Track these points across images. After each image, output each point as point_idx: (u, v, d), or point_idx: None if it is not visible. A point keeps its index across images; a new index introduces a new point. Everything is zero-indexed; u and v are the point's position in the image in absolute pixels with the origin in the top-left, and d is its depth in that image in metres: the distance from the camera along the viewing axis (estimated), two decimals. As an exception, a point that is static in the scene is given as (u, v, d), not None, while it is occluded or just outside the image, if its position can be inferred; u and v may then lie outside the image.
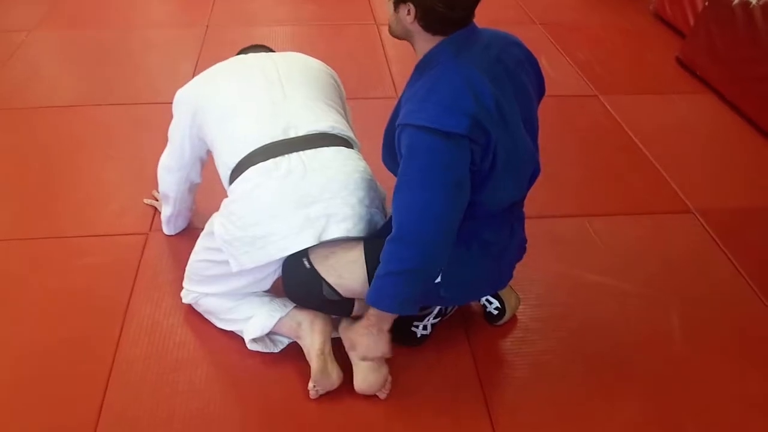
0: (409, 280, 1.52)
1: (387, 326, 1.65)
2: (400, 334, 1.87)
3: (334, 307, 1.71)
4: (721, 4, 3.32)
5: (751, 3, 3.13)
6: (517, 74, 1.58)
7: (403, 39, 1.58)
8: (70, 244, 2.23)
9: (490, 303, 1.95)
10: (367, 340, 1.68)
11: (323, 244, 1.64)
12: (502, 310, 1.95)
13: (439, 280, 1.59)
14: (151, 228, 2.30)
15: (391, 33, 1.59)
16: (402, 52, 3.55)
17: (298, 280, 1.66)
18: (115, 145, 2.77)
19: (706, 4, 3.49)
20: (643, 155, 2.85)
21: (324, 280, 1.62)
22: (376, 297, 1.56)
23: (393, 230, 1.50)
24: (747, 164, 2.86)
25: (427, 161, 1.44)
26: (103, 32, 3.81)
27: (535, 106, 1.67)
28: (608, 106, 3.21)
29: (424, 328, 1.88)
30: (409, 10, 1.46)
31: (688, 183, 2.67)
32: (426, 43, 1.52)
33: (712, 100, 3.33)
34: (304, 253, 1.64)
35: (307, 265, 1.63)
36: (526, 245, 1.82)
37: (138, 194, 2.45)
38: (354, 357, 1.74)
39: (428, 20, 1.47)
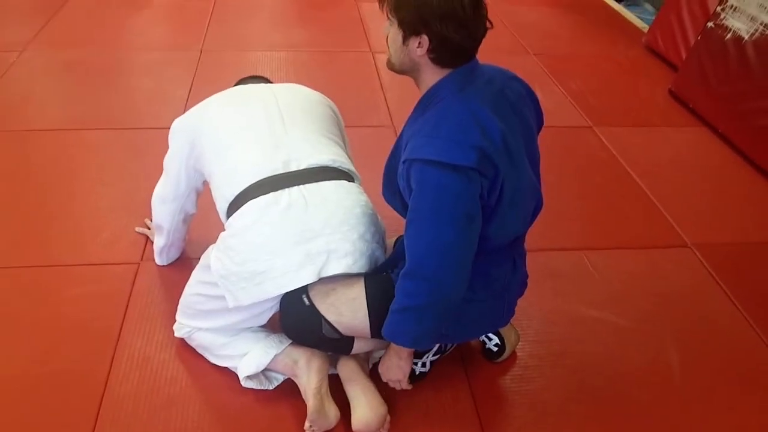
0: (422, 316, 1.49)
1: (404, 354, 1.62)
2: None
3: (333, 346, 1.68)
4: (714, 38, 3.36)
5: (743, 38, 3.16)
6: (519, 108, 1.57)
7: (405, 73, 1.55)
8: (60, 273, 2.18)
9: (490, 339, 1.93)
10: (387, 363, 1.67)
11: (323, 280, 1.61)
12: (501, 347, 1.92)
13: None
14: (142, 257, 2.26)
15: (393, 66, 1.54)
16: (398, 79, 3.53)
17: (296, 317, 1.63)
18: (106, 171, 2.73)
19: (699, 38, 3.52)
20: (639, 188, 2.85)
21: (323, 317, 1.59)
22: (391, 331, 1.54)
23: (406, 265, 1.48)
24: (741, 198, 2.87)
25: (436, 195, 1.42)
26: (95, 54, 3.77)
27: (536, 140, 1.66)
28: (603, 138, 3.22)
29: (423, 365, 1.84)
30: (420, 42, 1.43)
31: (684, 217, 2.67)
32: (432, 76, 1.50)
33: (706, 133, 3.35)
34: (303, 289, 1.61)
35: (307, 302, 1.60)
36: (528, 280, 1.80)
37: (130, 222, 2.41)
38: (356, 389, 1.71)
39: (441, 51, 1.44)
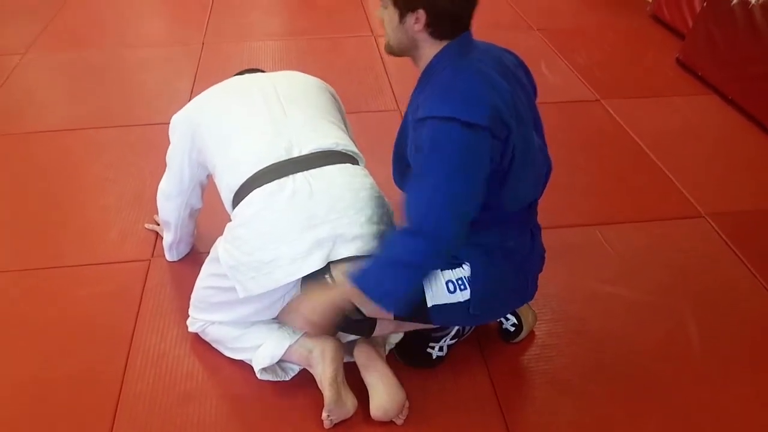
0: (415, 276, 1.47)
1: (342, 303, 1.52)
2: (415, 356, 1.82)
3: (355, 327, 1.65)
4: (720, 3, 3.29)
5: (750, 2, 3.10)
6: (518, 75, 1.58)
7: (404, 53, 1.55)
8: (70, 273, 2.18)
9: (507, 319, 1.91)
10: (316, 298, 1.56)
11: (347, 261, 1.59)
12: (519, 327, 1.90)
13: (468, 297, 1.55)
14: (153, 254, 2.25)
15: (391, 49, 1.55)
16: (401, 62, 3.50)
17: None
18: (113, 169, 2.72)
19: (705, 4, 3.46)
20: (649, 160, 2.81)
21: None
22: (366, 282, 1.46)
23: (409, 222, 1.44)
24: (755, 164, 2.82)
25: (450, 152, 1.40)
26: (97, 52, 3.76)
27: (536, 105, 1.65)
28: (611, 111, 3.17)
29: (440, 349, 1.83)
30: (417, 18, 1.44)
31: (697, 186, 2.63)
32: (430, 50, 1.50)
33: (715, 100, 3.29)
34: (326, 269, 1.58)
35: (330, 283, 1.56)
36: (545, 255, 1.78)
37: (138, 219, 2.40)
38: (373, 375, 1.69)
39: (438, 24, 1.45)
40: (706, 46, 3.41)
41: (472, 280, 1.56)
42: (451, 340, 1.82)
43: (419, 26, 1.45)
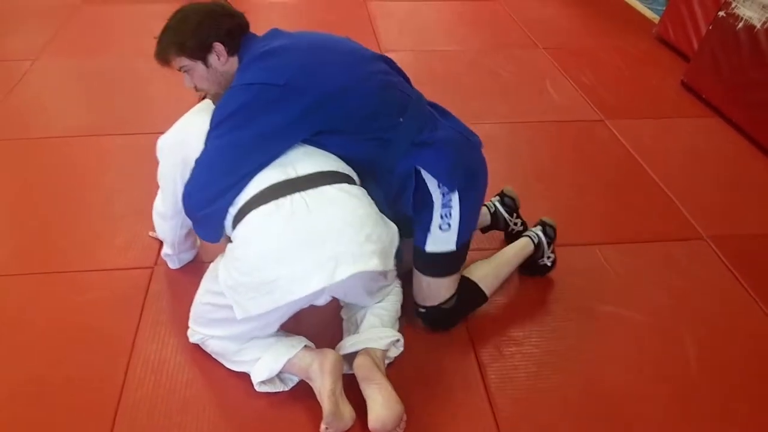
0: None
1: None
2: (531, 269, 2.21)
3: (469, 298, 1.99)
4: (725, 27, 3.32)
5: (755, 27, 3.12)
6: (313, 37, 1.92)
7: (221, 92, 1.74)
8: (73, 278, 2.20)
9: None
10: None
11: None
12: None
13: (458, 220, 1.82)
14: (156, 262, 2.27)
15: (217, 96, 1.76)
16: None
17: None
18: (120, 177, 2.74)
19: (710, 27, 3.48)
20: (652, 181, 2.83)
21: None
22: None
23: None
24: (757, 189, 2.83)
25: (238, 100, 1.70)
26: (108, 60, 3.80)
27: (343, 38, 1.96)
28: (615, 131, 3.19)
29: (548, 258, 2.20)
30: (216, 52, 1.67)
31: (699, 209, 2.65)
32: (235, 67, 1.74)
33: (719, 124, 3.31)
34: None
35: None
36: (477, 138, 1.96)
37: (144, 227, 2.41)
38: (372, 387, 1.72)
39: (232, 42, 1.71)
40: (711, 69, 3.43)
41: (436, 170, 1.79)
42: (550, 250, 2.21)
43: (223, 58, 1.68)
